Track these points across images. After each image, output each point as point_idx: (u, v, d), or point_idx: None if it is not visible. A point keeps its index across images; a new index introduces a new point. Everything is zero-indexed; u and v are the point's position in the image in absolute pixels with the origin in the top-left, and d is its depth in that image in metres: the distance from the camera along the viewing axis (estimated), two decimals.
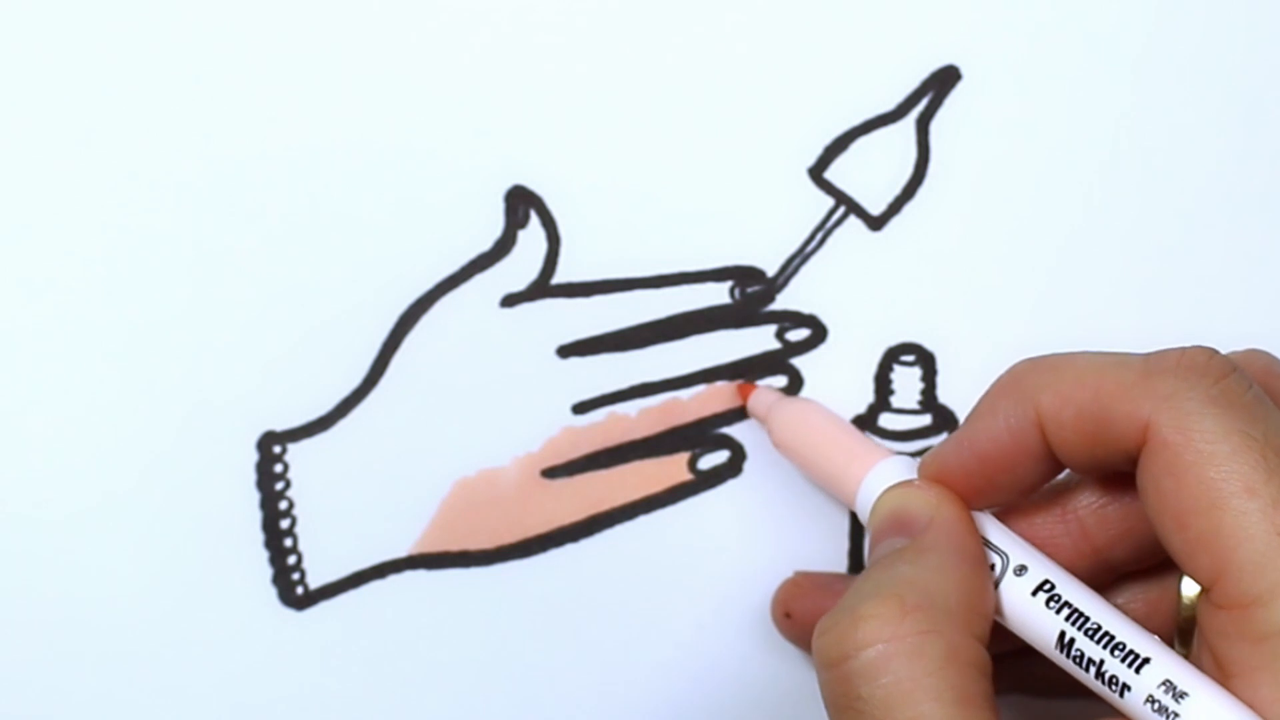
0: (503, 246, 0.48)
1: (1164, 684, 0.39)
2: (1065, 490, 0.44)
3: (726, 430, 0.50)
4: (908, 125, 0.49)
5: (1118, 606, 0.43)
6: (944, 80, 0.49)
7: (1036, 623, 0.42)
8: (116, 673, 0.48)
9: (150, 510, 0.48)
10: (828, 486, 0.47)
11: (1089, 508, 0.44)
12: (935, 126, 0.49)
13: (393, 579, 0.49)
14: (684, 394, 0.49)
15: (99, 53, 0.47)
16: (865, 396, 0.50)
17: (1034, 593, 0.42)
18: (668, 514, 0.50)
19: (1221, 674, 0.38)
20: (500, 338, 0.49)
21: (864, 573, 0.42)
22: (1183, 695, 0.39)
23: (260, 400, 0.48)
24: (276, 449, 0.48)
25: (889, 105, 0.49)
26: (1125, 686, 0.39)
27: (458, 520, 0.49)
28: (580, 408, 0.49)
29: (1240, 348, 0.46)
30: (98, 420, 0.47)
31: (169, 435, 0.48)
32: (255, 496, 0.48)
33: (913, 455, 0.46)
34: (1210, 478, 0.38)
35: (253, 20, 0.47)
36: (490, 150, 0.48)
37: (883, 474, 0.45)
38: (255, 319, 0.48)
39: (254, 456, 0.48)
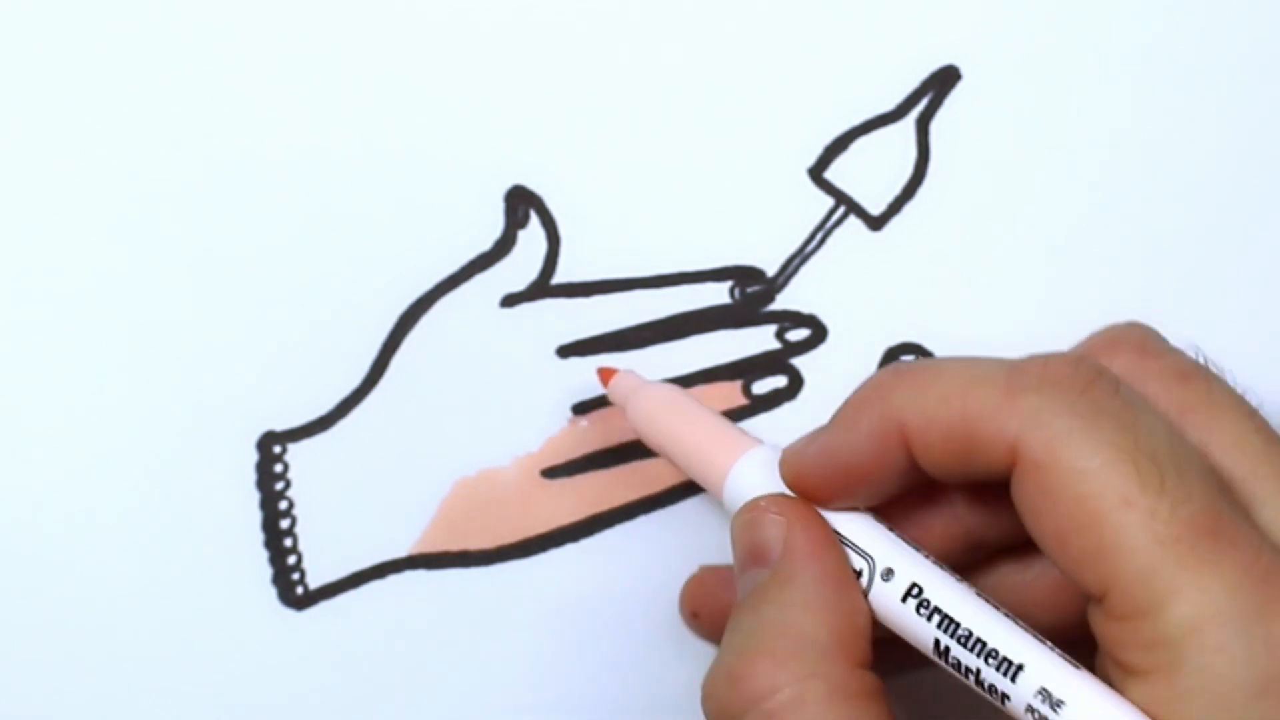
0: (503, 246, 0.48)
1: (1040, 692, 0.38)
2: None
3: None
4: (908, 125, 0.49)
5: (991, 588, 0.42)
6: (944, 80, 0.49)
7: (911, 629, 0.40)
8: (116, 673, 0.48)
9: (150, 510, 0.48)
10: (696, 479, 0.45)
11: (959, 493, 0.43)
12: (935, 126, 0.49)
13: (393, 579, 0.49)
14: None
15: (99, 53, 0.47)
16: None
17: (904, 599, 0.40)
18: (668, 514, 0.50)
19: (1121, 675, 0.38)
20: (500, 338, 0.49)
21: (733, 616, 0.41)
22: (1059, 704, 0.38)
23: (260, 400, 0.48)
24: (276, 449, 0.48)
25: (889, 105, 0.49)
26: (1004, 695, 0.39)
27: (458, 520, 0.49)
28: (580, 408, 0.49)
29: (1240, 348, 0.47)
30: (98, 420, 0.47)
31: (169, 435, 0.48)
32: (255, 496, 0.48)
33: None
34: (1084, 495, 0.37)
35: (253, 20, 0.47)
36: (490, 150, 0.48)
37: (745, 469, 0.43)
38: (255, 319, 0.48)
39: (254, 456, 0.48)
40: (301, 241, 0.48)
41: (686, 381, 0.49)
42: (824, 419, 0.47)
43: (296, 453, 0.48)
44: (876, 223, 0.49)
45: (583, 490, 0.49)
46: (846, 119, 0.49)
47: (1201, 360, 0.42)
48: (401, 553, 0.49)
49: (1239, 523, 0.37)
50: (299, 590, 0.48)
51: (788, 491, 0.42)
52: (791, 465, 0.42)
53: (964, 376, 0.39)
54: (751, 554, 0.42)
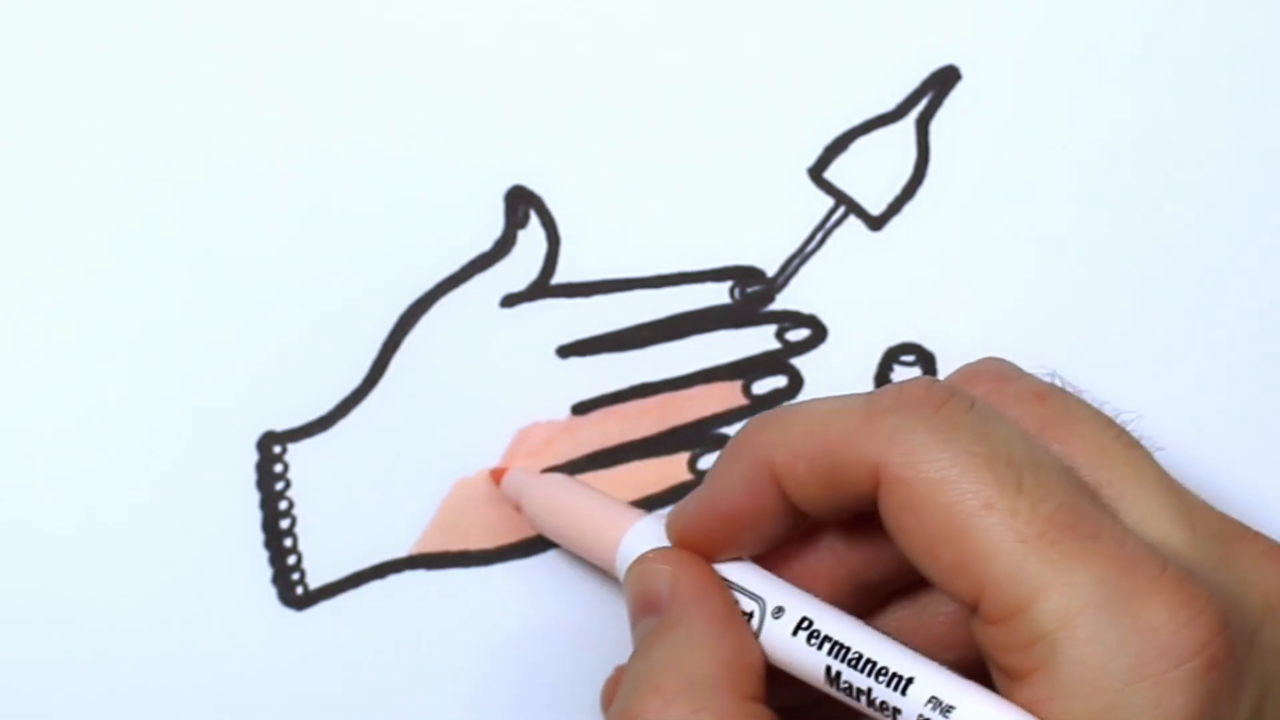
0: (503, 246, 0.48)
1: (930, 700, 0.38)
2: (816, 522, 0.43)
3: (726, 430, 0.50)
4: (908, 125, 0.49)
5: (887, 630, 0.42)
6: (944, 80, 0.49)
7: (803, 662, 0.41)
8: (116, 673, 0.48)
9: (150, 510, 0.48)
10: (591, 559, 0.46)
11: (838, 536, 0.43)
12: (935, 126, 0.49)
13: (393, 579, 0.49)
14: (684, 394, 0.49)
15: (99, 54, 0.47)
16: None
17: (794, 632, 0.41)
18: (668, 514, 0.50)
19: (1008, 682, 0.38)
20: (500, 338, 0.49)
21: (626, 666, 0.42)
22: (950, 709, 0.38)
23: (260, 400, 0.48)
24: (276, 449, 0.48)
25: (889, 105, 0.49)
26: (896, 710, 0.39)
27: (458, 520, 0.49)
28: (580, 408, 0.49)
29: (1241, 345, 0.47)
30: (98, 420, 0.47)
31: (169, 435, 0.48)
32: (255, 496, 0.48)
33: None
34: (946, 504, 0.38)
35: (253, 21, 0.47)
36: (490, 150, 0.48)
37: (635, 540, 0.44)
38: (255, 319, 0.48)
39: (254, 456, 0.48)
40: (301, 241, 0.48)
41: (686, 381, 0.49)
42: None
43: (296, 453, 0.48)
44: (876, 223, 0.49)
45: None
46: (846, 119, 0.49)
47: (1057, 382, 0.42)
48: (401, 553, 0.49)
49: (1100, 516, 0.38)
50: (299, 590, 0.48)
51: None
52: (676, 523, 0.43)
53: (824, 409, 0.41)
54: (642, 604, 0.43)
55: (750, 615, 0.42)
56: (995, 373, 0.42)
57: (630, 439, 0.49)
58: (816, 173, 0.49)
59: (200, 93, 0.47)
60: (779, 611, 0.42)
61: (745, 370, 0.49)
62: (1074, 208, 0.49)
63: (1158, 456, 0.41)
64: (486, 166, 0.48)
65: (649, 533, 0.44)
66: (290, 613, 0.48)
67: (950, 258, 0.49)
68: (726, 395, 0.49)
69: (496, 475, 0.48)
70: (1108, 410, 0.41)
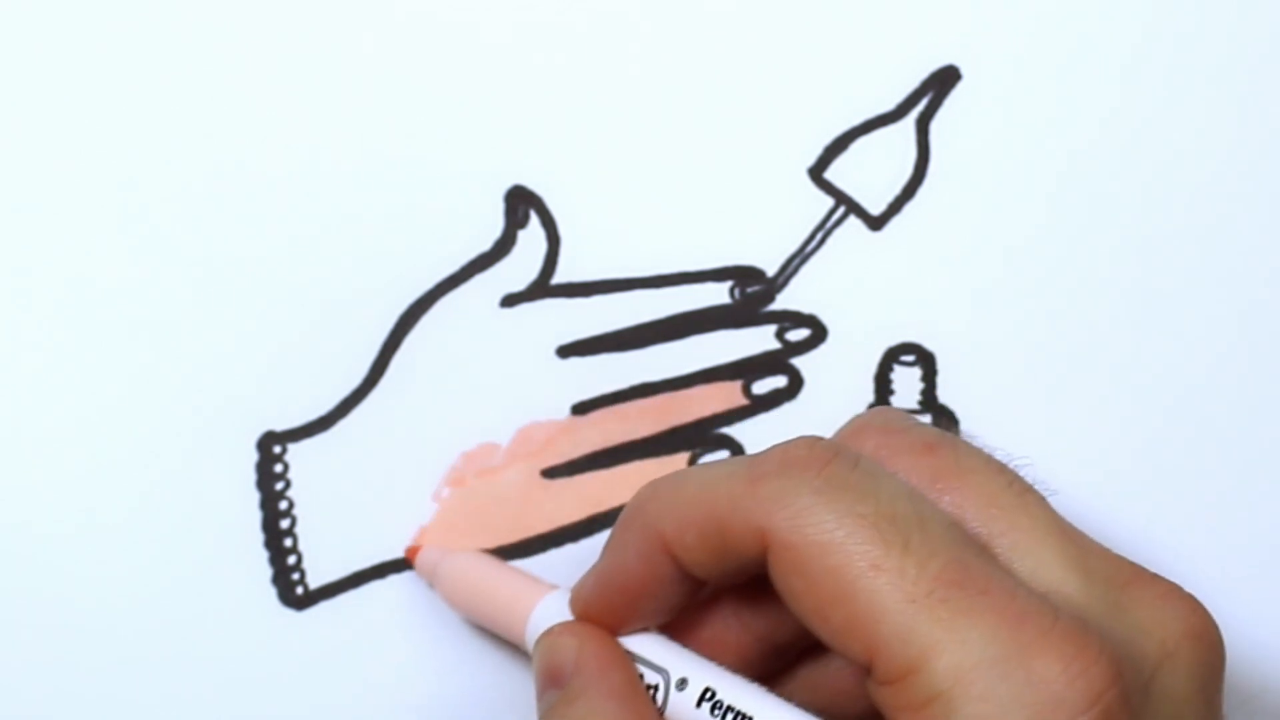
0: (503, 246, 0.48)
1: None
2: (717, 588, 0.43)
3: (726, 430, 0.50)
4: (908, 125, 0.49)
5: (798, 690, 0.43)
6: (944, 80, 0.49)
7: None
8: (116, 673, 0.48)
9: (150, 510, 0.48)
10: (504, 635, 0.47)
11: (743, 601, 0.43)
12: (935, 126, 0.49)
13: (393, 579, 0.49)
14: (684, 394, 0.49)
15: (100, 55, 0.47)
16: (865, 396, 0.50)
17: (698, 704, 0.41)
18: None
19: None
20: (500, 338, 0.49)
21: None
22: None
23: (260, 400, 0.48)
24: (276, 449, 0.48)
25: (889, 105, 0.49)
26: None
27: (458, 520, 0.49)
28: (580, 408, 0.49)
29: (1240, 346, 0.47)
30: (98, 420, 0.47)
31: (169, 435, 0.48)
32: (255, 496, 0.48)
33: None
34: (834, 566, 0.38)
35: (253, 21, 0.47)
36: (490, 150, 0.48)
37: (543, 614, 0.44)
38: (256, 319, 0.48)
39: (254, 456, 0.48)
40: (301, 242, 0.48)
41: (686, 381, 0.49)
42: (824, 419, 0.47)
43: (296, 453, 0.48)
44: (876, 223, 0.49)
45: (583, 490, 0.49)
46: (846, 119, 0.49)
47: (945, 431, 0.42)
48: (401, 553, 0.49)
49: (989, 570, 0.38)
50: (299, 590, 0.48)
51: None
52: (578, 598, 0.44)
53: (709, 475, 0.41)
54: (547, 677, 0.43)
55: (655, 688, 0.42)
56: (884, 424, 0.42)
57: (630, 439, 0.49)
58: (816, 173, 0.49)
59: (200, 93, 0.47)
60: (683, 683, 0.42)
61: (745, 370, 0.49)
62: (1074, 207, 0.49)
63: (1052, 500, 0.41)
64: (486, 166, 0.48)
65: (557, 607, 0.44)
66: (290, 613, 0.48)
67: (950, 258, 0.49)
68: (726, 395, 0.49)
69: (411, 553, 0.48)
70: (999, 456, 0.41)
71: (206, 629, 0.48)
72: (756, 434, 0.49)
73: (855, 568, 0.38)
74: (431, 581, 0.48)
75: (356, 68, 0.47)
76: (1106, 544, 0.40)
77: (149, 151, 0.47)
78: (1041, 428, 0.50)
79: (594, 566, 0.43)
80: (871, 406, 0.49)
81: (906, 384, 0.50)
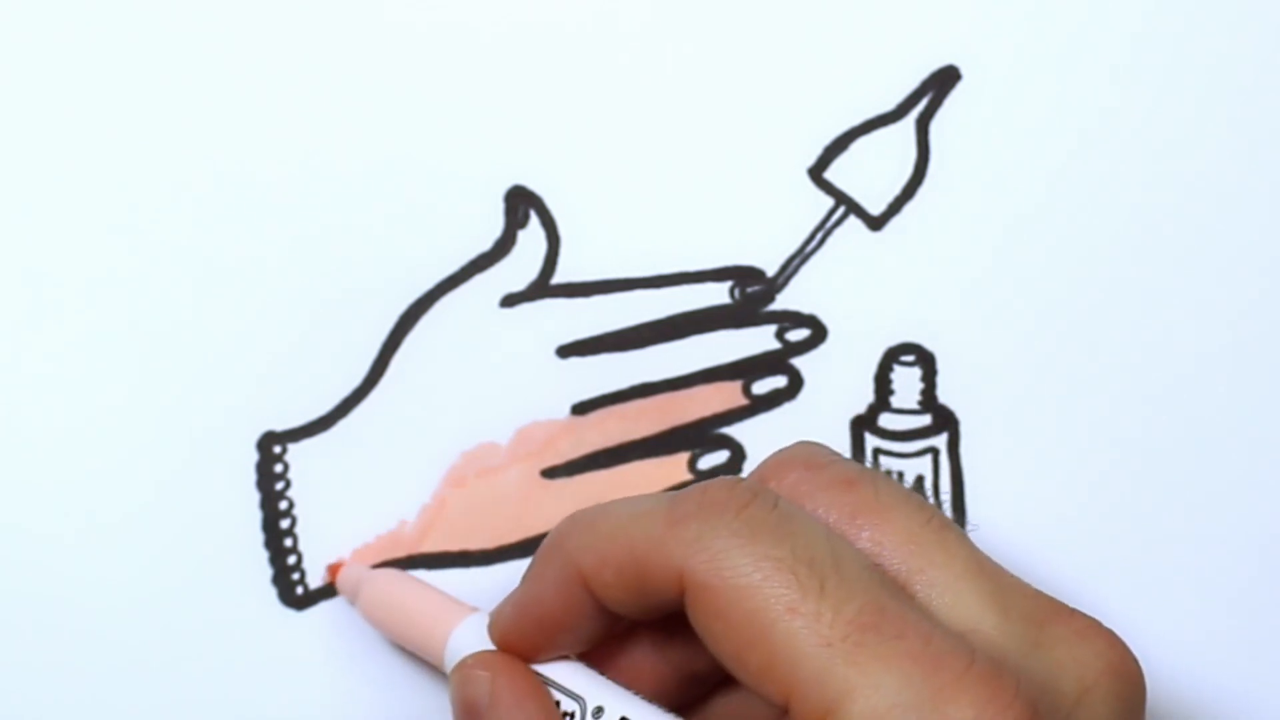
0: (503, 246, 0.48)
1: None
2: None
3: (726, 430, 0.50)
4: (908, 125, 0.49)
5: (718, 718, 0.43)
6: (944, 80, 0.49)
7: None
8: (116, 672, 0.48)
9: (150, 510, 0.48)
10: (423, 657, 0.47)
11: (661, 631, 0.43)
12: (935, 126, 0.49)
13: None
14: (684, 394, 0.49)
15: (101, 57, 0.47)
16: (865, 396, 0.50)
17: None
18: None
19: None
20: (500, 338, 0.49)
21: None
22: None
23: (260, 400, 0.48)
24: (276, 449, 0.48)
25: (889, 105, 0.49)
26: None
27: (458, 520, 0.49)
28: (580, 408, 0.49)
29: (1239, 347, 0.46)
30: (99, 421, 0.47)
31: (170, 435, 0.48)
32: (255, 496, 0.48)
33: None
34: (751, 609, 0.38)
35: (253, 23, 0.47)
36: (490, 150, 0.48)
37: (460, 639, 0.44)
38: (256, 319, 0.48)
39: (254, 456, 0.48)
40: (302, 242, 0.48)
41: (687, 381, 0.49)
42: (824, 419, 0.47)
43: (296, 453, 0.48)
44: (876, 223, 0.49)
45: (583, 490, 0.49)
46: (846, 119, 0.49)
47: (865, 467, 0.42)
48: (401, 553, 0.49)
49: (906, 613, 0.38)
50: (299, 590, 0.48)
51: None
52: (496, 625, 0.43)
53: (629, 513, 0.41)
54: (464, 710, 0.43)
55: (570, 715, 0.42)
56: (805, 460, 0.42)
57: (630, 439, 0.49)
58: (816, 173, 0.49)
59: (200, 94, 0.47)
60: (599, 712, 0.42)
61: (745, 370, 0.49)
62: (1074, 206, 0.49)
63: (972, 536, 0.41)
64: (486, 166, 0.48)
65: (474, 632, 0.44)
66: (290, 613, 0.48)
67: (950, 258, 0.49)
68: (727, 395, 0.49)
69: (333, 571, 0.48)
70: (916, 496, 0.41)
71: (206, 629, 0.48)
72: (756, 434, 0.49)
73: (772, 611, 0.38)
74: (353, 600, 0.48)
75: (356, 69, 0.47)
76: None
77: (150, 153, 0.47)
78: (1041, 428, 0.49)
79: (512, 594, 0.43)
80: (871, 406, 0.49)
81: (906, 384, 0.50)
